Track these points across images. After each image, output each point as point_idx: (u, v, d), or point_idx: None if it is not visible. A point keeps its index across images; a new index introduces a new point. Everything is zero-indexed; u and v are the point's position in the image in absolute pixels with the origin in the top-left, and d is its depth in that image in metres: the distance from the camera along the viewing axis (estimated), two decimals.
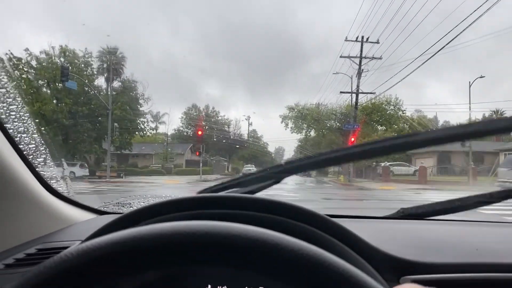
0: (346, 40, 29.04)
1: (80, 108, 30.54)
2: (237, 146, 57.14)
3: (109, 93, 30.56)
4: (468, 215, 1.36)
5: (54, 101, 28.96)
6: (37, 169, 1.13)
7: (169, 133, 62.92)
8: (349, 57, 28.80)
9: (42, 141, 1.26)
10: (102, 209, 1.44)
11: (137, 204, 1.58)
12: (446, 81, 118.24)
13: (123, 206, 1.53)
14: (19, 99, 1.19)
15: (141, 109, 36.19)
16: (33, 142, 1.19)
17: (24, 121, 1.17)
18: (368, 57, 28.39)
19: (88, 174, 30.14)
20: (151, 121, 59.72)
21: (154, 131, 61.52)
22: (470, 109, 28.83)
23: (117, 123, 31.96)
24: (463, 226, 1.40)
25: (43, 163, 1.22)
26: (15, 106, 1.15)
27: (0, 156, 0.97)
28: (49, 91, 29.64)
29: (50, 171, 1.24)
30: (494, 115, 41.63)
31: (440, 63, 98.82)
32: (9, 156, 1.00)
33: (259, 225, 0.49)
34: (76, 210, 1.30)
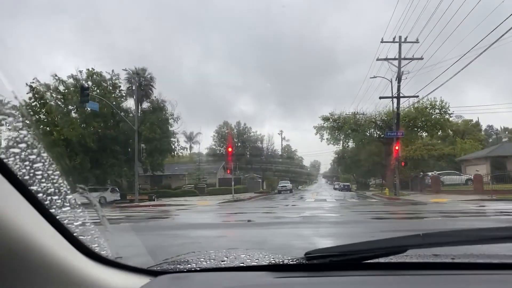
0: (382, 41, 26.96)
1: (109, 131, 29.91)
2: (272, 162, 55.41)
3: (136, 114, 29.73)
4: None
5: (83, 125, 28.44)
6: (74, 233, 0.93)
7: (203, 152, 62.46)
8: (387, 59, 26.62)
9: (78, 203, 1.04)
10: (155, 268, 1.21)
11: (196, 260, 1.34)
12: (488, 82, 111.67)
13: (180, 264, 1.29)
14: (40, 146, 0.91)
15: (171, 129, 35.09)
16: (68, 204, 0.98)
17: (54, 180, 0.95)
18: (408, 58, 26.08)
19: (119, 198, 29.35)
20: (185, 141, 59.41)
21: (187, 151, 61.12)
22: None
23: (147, 144, 31.07)
24: None
25: (81, 226, 1.01)
26: (41, 163, 0.91)
27: (30, 230, 0.77)
28: (78, 116, 29.26)
29: (90, 233, 1.04)
30: None
31: (481, 63, 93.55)
32: (42, 229, 0.81)
33: None
34: (123, 275, 1.03)
